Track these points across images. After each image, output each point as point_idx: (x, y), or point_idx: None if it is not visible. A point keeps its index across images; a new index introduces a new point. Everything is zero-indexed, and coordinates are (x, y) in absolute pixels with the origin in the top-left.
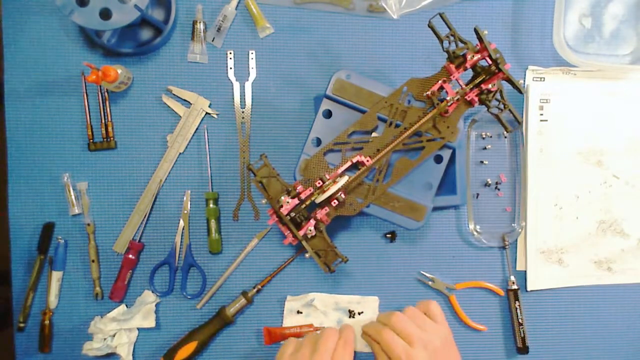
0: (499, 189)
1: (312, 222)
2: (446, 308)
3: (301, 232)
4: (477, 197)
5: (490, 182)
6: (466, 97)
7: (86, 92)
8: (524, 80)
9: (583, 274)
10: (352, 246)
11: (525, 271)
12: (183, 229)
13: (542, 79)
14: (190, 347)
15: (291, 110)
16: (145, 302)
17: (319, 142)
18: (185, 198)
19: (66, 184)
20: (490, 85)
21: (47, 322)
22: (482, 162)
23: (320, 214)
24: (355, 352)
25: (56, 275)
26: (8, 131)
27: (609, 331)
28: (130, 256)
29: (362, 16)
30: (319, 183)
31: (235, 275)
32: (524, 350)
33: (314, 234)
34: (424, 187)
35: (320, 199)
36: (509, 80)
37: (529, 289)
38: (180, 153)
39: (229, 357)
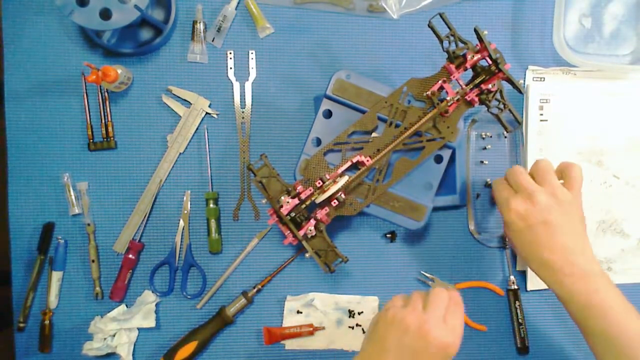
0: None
1: (312, 222)
2: None
3: (301, 232)
4: (477, 198)
5: (490, 182)
6: (466, 97)
7: (86, 92)
8: (524, 80)
9: None
10: (352, 246)
11: (525, 271)
12: (183, 229)
13: (542, 79)
14: (190, 347)
15: (291, 110)
16: (145, 302)
17: (319, 142)
18: (185, 198)
19: (66, 184)
20: (490, 85)
21: (47, 322)
22: (482, 162)
23: (320, 214)
24: (354, 351)
25: (56, 275)
26: (8, 131)
27: None
28: (130, 256)
29: (362, 16)
30: (319, 183)
31: (235, 275)
32: (524, 350)
33: (314, 234)
34: (424, 187)
35: (320, 199)
36: (509, 80)
37: (529, 289)
38: (180, 153)
39: (229, 357)
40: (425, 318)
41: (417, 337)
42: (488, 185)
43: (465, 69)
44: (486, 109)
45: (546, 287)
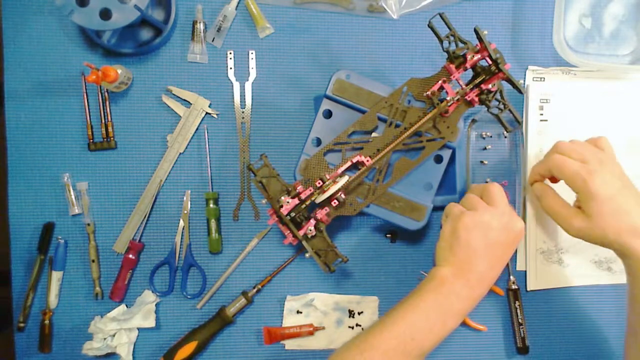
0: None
1: (312, 222)
2: None
3: (301, 232)
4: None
5: (490, 182)
6: (466, 97)
7: (86, 92)
8: (524, 80)
9: (583, 274)
10: (352, 246)
11: (525, 271)
12: (183, 229)
13: (542, 79)
14: (190, 347)
15: (291, 110)
16: (145, 302)
17: (319, 142)
18: (185, 198)
19: (66, 184)
20: (490, 85)
21: (47, 322)
22: (482, 162)
23: (320, 214)
24: None
25: (56, 275)
26: (8, 131)
27: (609, 331)
28: (130, 256)
29: (362, 16)
30: (319, 183)
31: (235, 275)
32: (524, 350)
33: (314, 234)
34: (424, 187)
35: (320, 199)
36: (509, 80)
37: (529, 289)
38: (180, 153)
39: (229, 357)
40: (500, 211)
41: (501, 231)
42: None
43: (465, 69)
44: (486, 109)
45: (546, 287)
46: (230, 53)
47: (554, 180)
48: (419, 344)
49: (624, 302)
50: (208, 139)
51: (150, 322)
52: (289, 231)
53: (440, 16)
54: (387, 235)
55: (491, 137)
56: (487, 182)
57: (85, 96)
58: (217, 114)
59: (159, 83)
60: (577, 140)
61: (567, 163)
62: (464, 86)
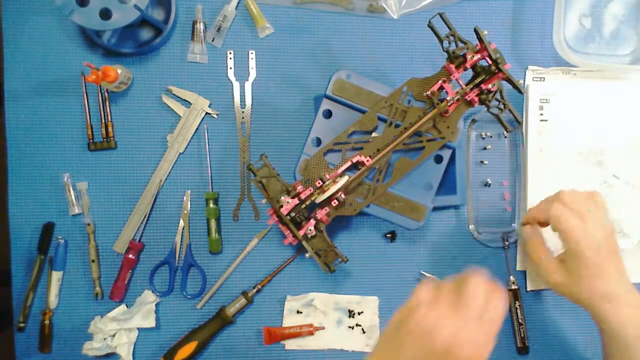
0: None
1: (312, 222)
2: None
3: (301, 232)
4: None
5: (490, 182)
6: (466, 97)
7: (86, 92)
8: (524, 80)
9: None
10: (352, 246)
11: (525, 271)
12: (183, 229)
13: (542, 79)
14: (190, 347)
15: (291, 110)
16: (145, 302)
17: (319, 142)
18: (185, 198)
19: (66, 184)
20: (490, 85)
21: (47, 322)
22: (482, 162)
23: (320, 214)
24: (352, 351)
25: (56, 275)
26: (8, 131)
27: None
28: (130, 256)
29: (362, 16)
30: (319, 183)
31: (235, 275)
32: (524, 350)
33: (314, 234)
34: (424, 187)
35: (320, 199)
36: (509, 80)
37: (529, 289)
38: (180, 153)
39: (229, 357)
40: (457, 331)
41: (443, 357)
42: (488, 185)
43: (465, 69)
44: (486, 109)
45: (546, 287)
46: (230, 53)
47: (544, 224)
48: None
49: None
50: (208, 139)
51: (150, 322)
52: (289, 231)
53: (440, 16)
54: (387, 235)
55: (491, 137)
56: (487, 182)
57: (85, 96)
58: (217, 114)
59: (159, 83)
60: (577, 191)
61: (566, 217)
62: (464, 86)
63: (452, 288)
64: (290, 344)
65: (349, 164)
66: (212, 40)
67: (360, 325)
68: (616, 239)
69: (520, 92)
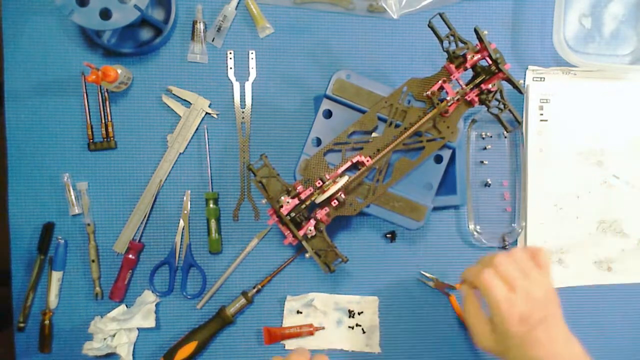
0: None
1: (312, 222)
2: (447, 308)
3: (301, 232)
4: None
5: (490, 182)
6: (466, 97)
7: (86, 92)
8: (524, 80)
9: (583, 274)
10: (352, 246)
11: None
12: (183, 229)
13: (542, 79)
14: (190, 347)
15: (291, 110)
16: (145, 302)
17: (319, 142)
18: (185, 198)
19: (66, 184)
20: (490, 85)
21: (47, 322)
22: (482, 162)
23: (320, 214)
24: (352, 351)
25: (56, 275)
26: (8, 131)
27: (610, 331)
28: (130, 256)
29: (362, 16)
30: (319, 183)
31: (235, 275)
32: None
33: (314, 234)
34: (424, 187)
35: (320, 199)
36: (509, 80)
37: None
38: (180, 153)
39: (229, 357)
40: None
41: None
42: (488, 185)
43: (465, 69)
44: (486, 109)
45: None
46: (230, 53)
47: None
48: None
49: (624, 302)
50: (208, 139)
51: (150, 322)
52: (289, 231)
53: (440, 16)
54: (387, 235)
55: (491, 137)
56: (487, 182)
57: (85, 96)
58: (217, 114)
59: (159, 83)
60: (517, 251)
61: (493, 287)
62: (464, 86)
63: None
64: (290, 344)
65: (349, 164)
66: (212, 40)
67: (360, 325)
68: (557, 302)
69: (520, 92)
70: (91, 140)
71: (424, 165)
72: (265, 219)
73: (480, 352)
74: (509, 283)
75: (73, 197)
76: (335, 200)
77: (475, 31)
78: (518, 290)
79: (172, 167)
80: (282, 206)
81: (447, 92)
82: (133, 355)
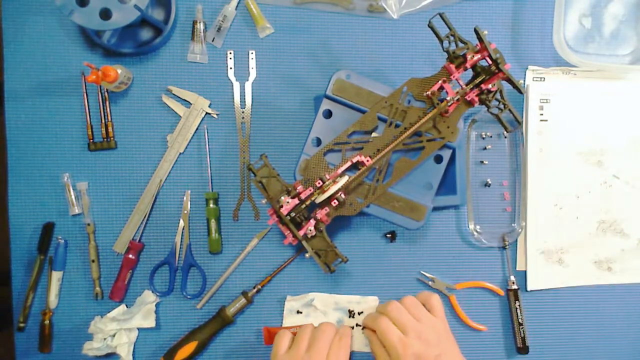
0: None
1: (312, 222)
2: (446, 308)
3: (301, 232)
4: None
5: (490, 182)
6: (466, 97)
7: (86, 92)
8: (524, 80)
9: (583, 274)
10: (352, 246)
11: (525, 271)
12: (183, 229)
13: (542, 79)
14: (190, 347)
15: (291, 110)
16: (145, 302)
17: (319, 142)
18: (185, 198)
19: (66, 184)
20: (490, 85)
21: (47, 322)
22: (482, 162)
23: (320, 214)
24: (353, 352)
25: (56, 275)
26: (8, 131)
27: (610, 331)
28: (130, 256)
29: (362, 16)
30: (319, 183)
31: (235, 275)
32: (524, 350)
33: (314, 234)
34: (424, 187)
35: (320, 199)
36: (509, 80)
37: (529, 289)
38: (180, 153)
39: (229, 357)
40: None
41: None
42: (488, 185)
43: (465, 69)
44: (486, 109)
45: (546, 287)
46: (230, 53)
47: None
48: None
49: (623, 302)
50: (208, 139)
51: (150, 322)
52: (289, 231)
53: (440, 16)
54: (387, 235)
55: (491, 137)
56: (487, 182)
57: (85, 96)
58: (217, 114)
59: (159, 83)
60: (408, 298)
61: (387, 332)
62: (464, 86)
63: (306, 336)
64: None
65: (349, 164)
66: (212, 40)
67: (360, 325)
68: (452, 340)
69: (520, 92)
70: (91, 140)
71: (424, 165)
72: (265, 219)
73: (480, 352)
74: (402, 327)
75: (73, 197)
76: (335, 200)
77: (475, 31)
78: (410, 333)
79: (172, 167)
80: (282, 206)
81: (447, 92)
82: (133, 355)
